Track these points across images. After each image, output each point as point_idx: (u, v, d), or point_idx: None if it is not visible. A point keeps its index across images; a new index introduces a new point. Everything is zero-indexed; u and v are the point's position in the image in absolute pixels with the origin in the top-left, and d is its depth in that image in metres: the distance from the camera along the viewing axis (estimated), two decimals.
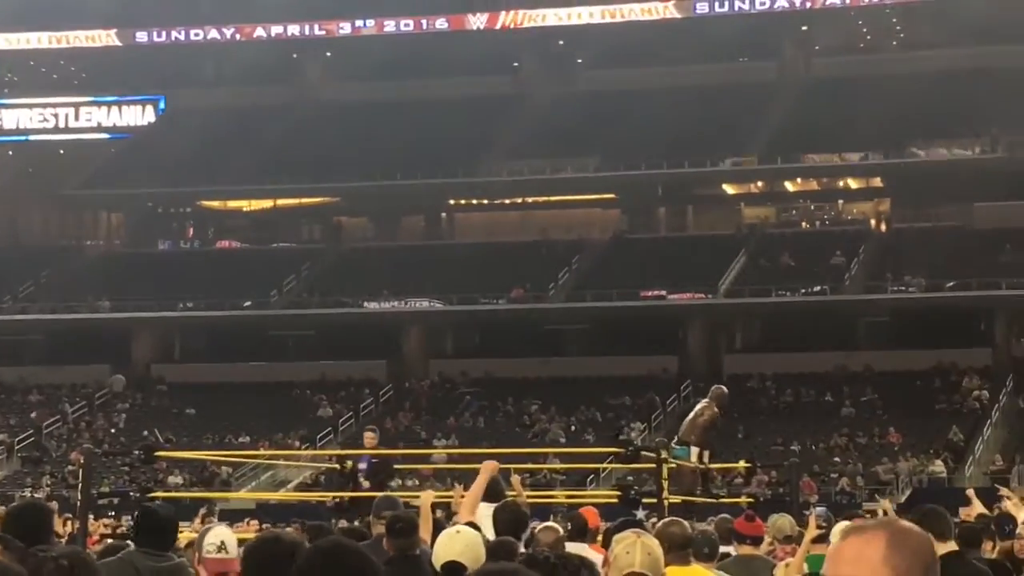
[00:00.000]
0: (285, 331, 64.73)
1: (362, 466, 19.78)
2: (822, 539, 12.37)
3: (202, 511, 22.57)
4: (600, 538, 11.17)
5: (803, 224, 69.45)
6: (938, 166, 62.63)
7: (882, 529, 3.49)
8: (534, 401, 58.95)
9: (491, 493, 11.74)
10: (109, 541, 13.50)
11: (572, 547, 11.30)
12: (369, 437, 21.31)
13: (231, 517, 26.00)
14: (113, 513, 23.21)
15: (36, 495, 48.18)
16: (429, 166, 66.33)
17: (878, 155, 64.68)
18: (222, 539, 8.35)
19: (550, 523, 10.17)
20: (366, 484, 19.04)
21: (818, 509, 14.56)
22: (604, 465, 43.42)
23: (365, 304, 63.03)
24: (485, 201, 73.18)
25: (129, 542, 11.91)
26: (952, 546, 9.13)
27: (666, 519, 10.22)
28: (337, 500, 19.86)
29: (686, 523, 9.56)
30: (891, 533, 3.48)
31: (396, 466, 43.72)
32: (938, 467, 50.13)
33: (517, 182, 68.09)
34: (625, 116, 66.77)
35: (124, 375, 64.34)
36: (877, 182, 68.95)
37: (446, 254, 66.46)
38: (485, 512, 10.88)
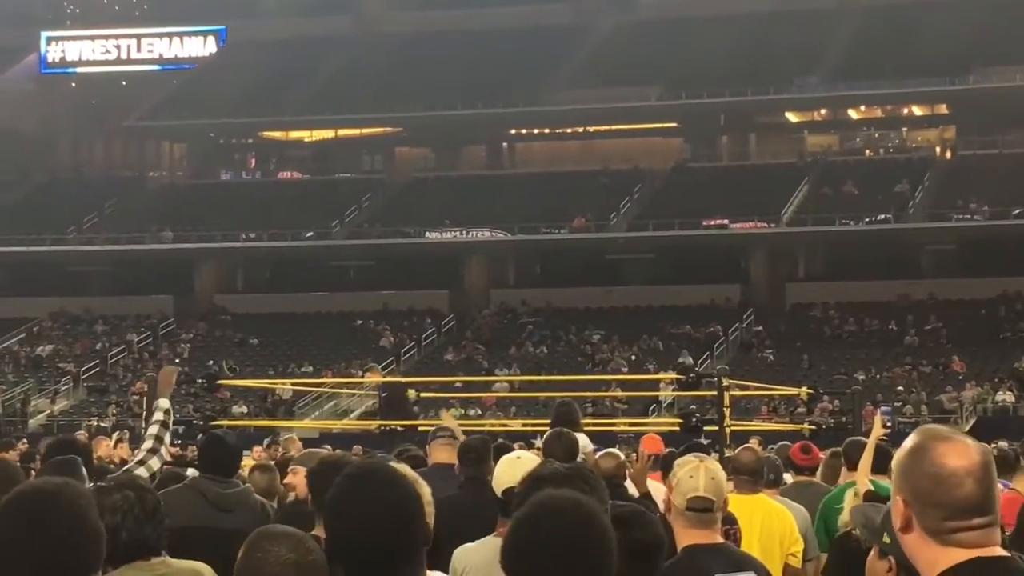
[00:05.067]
0: (347, 261, 64.93)
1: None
2: (884, 466, 12.27)
3: (267, 440, 22.70)
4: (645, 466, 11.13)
5: (866, 152, 68.92)
6: (1004, 92, 61.84)
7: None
8: (596, 331, 58.93)
9: (568, 422, 11.65)
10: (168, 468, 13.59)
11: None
12: (371, 375, 21.49)
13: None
14: (179, 441, 23.34)
15: (102, 424, 48.74)
16: (489, 96, 66.13)
17: (943, 81, 63.97)
18: None
19: (611, 450, 10.14)
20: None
21: (883, 408, 14.49)
22: (664, 393, 43.48)
23: (427, 234, 63.09)
24: (546, 131, 73.02)
25: (191, 469, 12.01)
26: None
27: (741, 446, 10.18)
28: (387, 428, 19.97)
29: (758, 450, 9.52)
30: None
31: (460, 395, 43.91)
32: (1006, 396, 49.86)
33: (578, 111, 67.82)
34: (686, 44, 66.32)
35: (187, 305, 64.79)
36: (942, 109, 68.35)
37: (507, 184, 66.42)
38: (580, 442, 10.78)
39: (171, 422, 8.77)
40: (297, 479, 9.42)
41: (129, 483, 5.96)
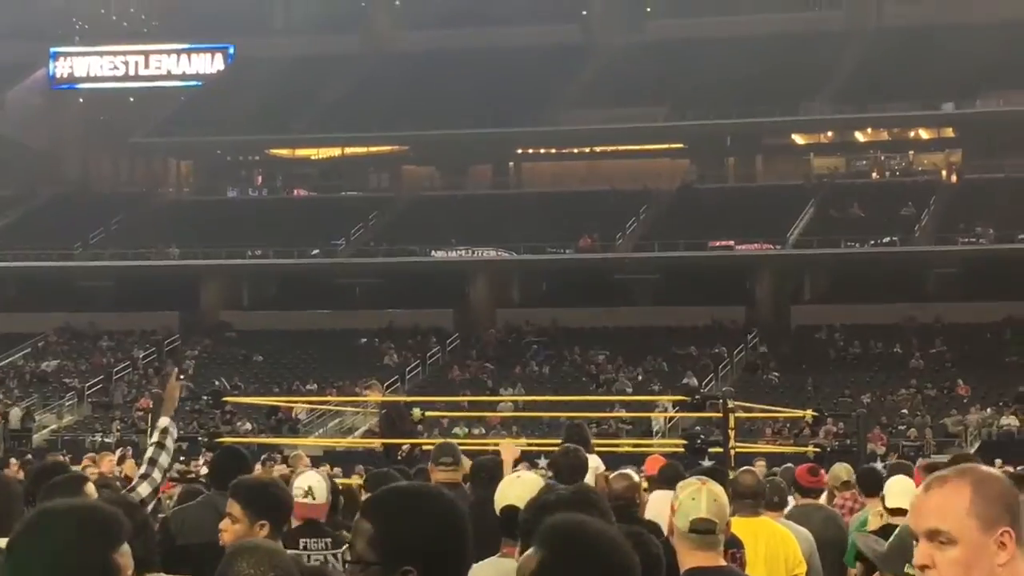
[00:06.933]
0: (352, 279, 64.92)
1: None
2: (875, 488, 12.29)
3: (264, 458, 22.67)
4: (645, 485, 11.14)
5: (873, 174, 68.94)
6: (1010, 116, 61.86)
7: (965, 477, 3.45)
8: (600, 351, 58.93)
9: (579, 442, 11.67)
10: (181, 486, 13.64)
11: (658, 494, 11.28)
12: (371, 392, 21.51)
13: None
14: (183, 458, 23.36)
15: (106, 440, 48.75)
16: (497, 115, 66.23)
17: (949, 105, 64.03)
18: (310, 484, 8.43)
19: (625, 470, 10.14)
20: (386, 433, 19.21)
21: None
22: (670, 414, 43.43)
23: (432, 253, 63.11)
24: (553, 150, 73.08)
25: (200, 485, 12.03)
26: None
27: (741, 468, 10.17)
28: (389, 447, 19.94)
29: (759, 473, 9.49)
30: (974, 481, 3.43)
31: (463, 413, 43.83)
32: (1010, 420, 49.81)
33: (585, 131, 67.89)
34: (694, 66, 66.40)
35: (193, 322, 64.82)
36: (948, 132, 68.37)
37: (513, 203, 66.44)
38: (591, 464, 10.78)
39: (171, 441, 8.73)
40: None
41: (117, 501, 5.97)
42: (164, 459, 8.58)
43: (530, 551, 3.98)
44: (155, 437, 8.67)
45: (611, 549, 3.89)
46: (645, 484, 11.04)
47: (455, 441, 13.53)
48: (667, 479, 11.77)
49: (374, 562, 3.93)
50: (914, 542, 3.46)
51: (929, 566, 3.40)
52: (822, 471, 12.77)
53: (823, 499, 13.14)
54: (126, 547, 3.82)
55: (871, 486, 12.38)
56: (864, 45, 67.69)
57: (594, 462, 10.69)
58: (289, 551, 6.23)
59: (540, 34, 71.17)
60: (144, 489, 8.33)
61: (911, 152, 70.27)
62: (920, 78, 63.38)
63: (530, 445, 19.26)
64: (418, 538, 3.92)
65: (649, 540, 6.01)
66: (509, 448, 11.67)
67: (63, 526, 3.79)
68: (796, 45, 66.87)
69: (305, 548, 8.17)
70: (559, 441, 12.83)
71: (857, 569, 8.46)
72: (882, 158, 69.92)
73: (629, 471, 10.32)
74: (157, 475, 8.48)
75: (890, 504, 10.01)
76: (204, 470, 18.49)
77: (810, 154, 70.70)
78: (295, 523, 7.82)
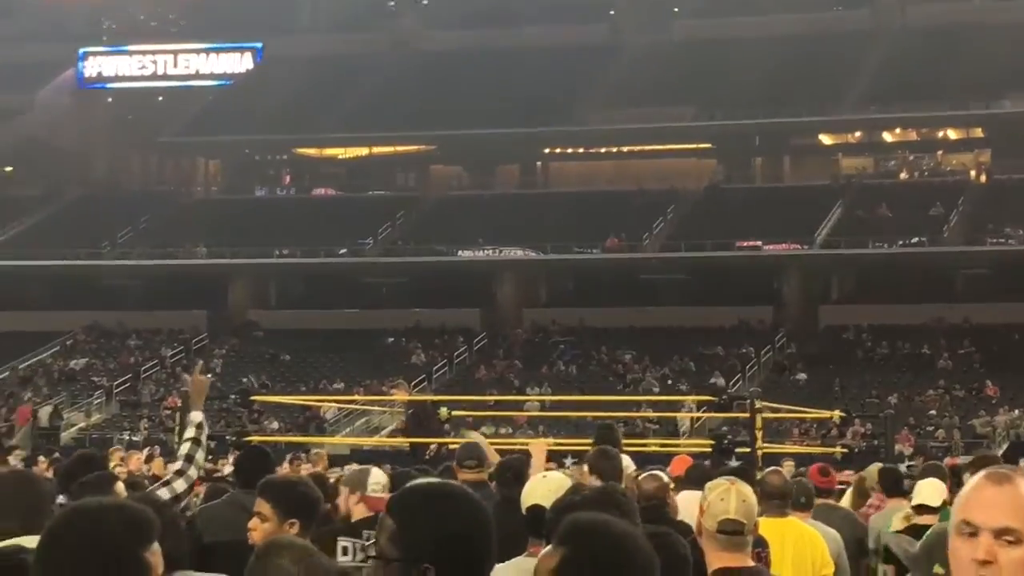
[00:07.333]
0: (379, 278, 65.02)
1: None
2: (898, 489, 12.25)
3: (290, 456, 22.70)
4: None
5: (901, 175, 68.74)
6: None
7: None
8: (628, 351, 58.89)
9: (610, 442, 11.67)
10: (207, 484, 13.65)
11: (685, 494, 11.26)
12: (398, 391, 21.57)
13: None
14: (210, 456, 23.42)
15: (134, 438, 48.89)
16: (524, 114, 66.22)
17: (978, 105, 63.80)
18: (382, 481, 8.59)
19: (655, 471, 10.12)
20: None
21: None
22: (697, 414, 43.42)
23: (459, 252, 63.13)
24: (580, 150, 73.06)
25: (226, 484, 12.05)
26: None
27: (768, 469, 10.16)
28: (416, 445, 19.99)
29: (786, 473, 9.47)
30: None
31: (491, 413, 43.84)
32: None
33: (612, 131, 67.86)
34: (721, 66, 66.31)
35: (220, 321, 64.99)
36: (977, 132, 68.14)
37: (540, 203, 66.41)
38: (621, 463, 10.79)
39: (205, 437, 8.77)
40: (340, 498, 9.48)
41: (145, 499, 5.99)
42: (200, 456, 8.63)
43: (549, 548, 3.99)
44: (190, 432, 8.69)
45: (632, 548, 3.89)
46: (672, 485, 11.04)
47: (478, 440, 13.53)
48: (694, 479, 11.77)
49: (395, 558, 3.97)
50: (957, 534, 3.42)
51: (991, 562, 3.38)
52: (833, 471, 12.75)
53: (845, 500, 13.14)
54: (156, 545, 3.83)
55: (893, 486, 12.37)
56: (890, 44, 67.49)
57: (624, 462, 10.67)
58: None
59: (567, 33, 71.19)
60: (180, 485, 8.37)
61: (939, 152, 70.05)
62: (948, 78, 63.16)
63: (557, 444, 19.29)
64: (438, 535, 3.95)
65: (676, 540, 6.01)
66: (540, 447, 11.68)
67: (94, 524, 3.80)
68: (823, 44, 66.73)
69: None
70: (586, 441, 12.83)
71: (888, 570, 8.47)
72: (910, 158, 69.72)
73: (659, 471, 10.31)
74: (193, 472, 8.53)
75: (918, 502, 10.00)
76: (229, 469, 18.54)
77: (838, 154, 70.55)
78: (368, 515, 7.86)
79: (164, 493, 8.15)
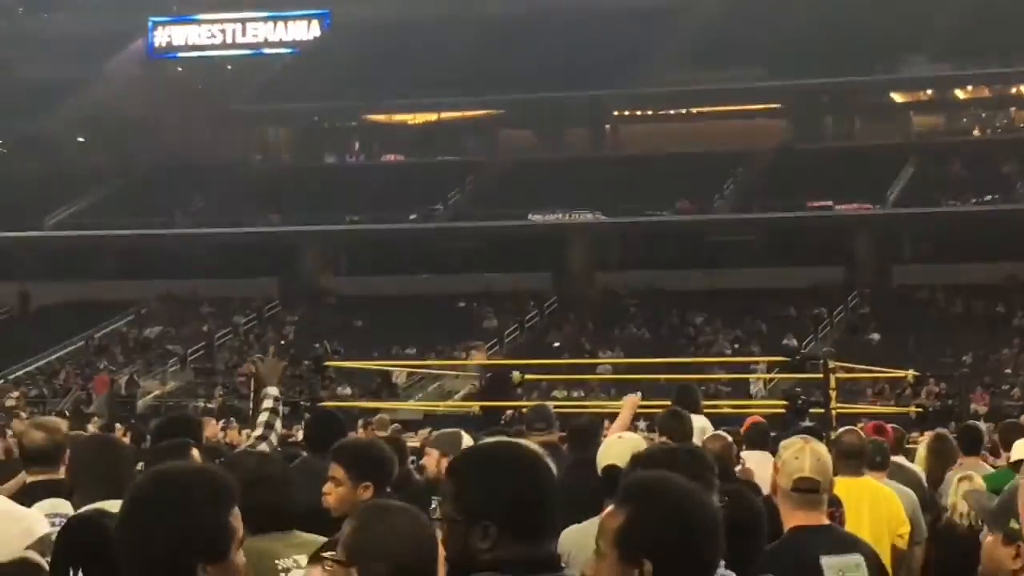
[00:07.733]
0: (450, 243, 65.11)
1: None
2: (976, 447, 12.21)
3: (362, 421, 22.84)
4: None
5: (973, 132, 68.09)
6: None
7: None
8: (699, 313, 58.75)
9: (689, 404, 11.70)
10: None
11: (749, 454, 11.27)
12: (476, 354, 21.63)
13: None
14: (284, 422, 23.69)
15: (209, 405, 49.27)
16: (591, 77, 66.00)
17: None
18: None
19: (719, 432, 10.14)
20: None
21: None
22: (770, 375, 43.26)
23: (529, 216, 63.09)
24: (649, 112, 72.76)
25: (299, 448, 12.13)
26: None
27: (843, 428, 10.12)
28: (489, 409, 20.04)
29: (862, 432, 9.45)
30: None
31: (564, 377, 43.84)
32: None
33: (681, 92, 67.55)
34: (789, 24, 65.83)
35: (292, 288, 65.31)
36: None
37: (609, 166, 66.24)
38: (699, 424, 10.80)
39: (281, 408, 8.92)
40: (430, 460, 9.57)
41: (247, 454, 6.06)
42: (278, 424, 8.77)
43: (611, 508, 4.00)
44: (269, 403, 8.81)
45: (694, 507, 3.89)
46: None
47: (552, 404, 13.57)
48: (752, 440, 11.78)
49: (456, 519, 4.02)
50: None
51: None
52: (888, 429, 12.70)
53: (919, 461, 13.09)
54: (237, 510, 3.87)
55: (970, 445, 12.31)
56: (960, 0, 66.70)
57: (700, 423, 10.69)
58: None
59: None
60: (264, 448, 8.50)
61: (1012, 109, 69.31)
62: (1021, 33, 62.38)
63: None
64: (495, 493, 4.00)
65: (750, 497, 6.01)
66: (630, 403, 11.75)
67: (176, 489, 3.83)
68: (891, 2, 66.00)
69: None
70: (661, 403, 12.84)
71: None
72: (983, 115, 69.03)
73: (722, 432, 10.33)
74: (274, 438, 8.67)
75: (1016, 458, 10.07)
76: (300, 434, 18.67)
77: (909, 112, 69.94)
78: None
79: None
